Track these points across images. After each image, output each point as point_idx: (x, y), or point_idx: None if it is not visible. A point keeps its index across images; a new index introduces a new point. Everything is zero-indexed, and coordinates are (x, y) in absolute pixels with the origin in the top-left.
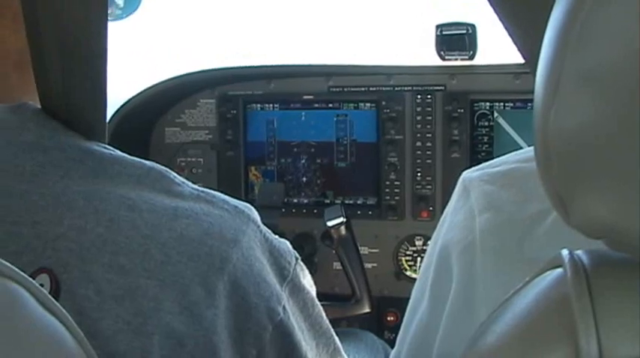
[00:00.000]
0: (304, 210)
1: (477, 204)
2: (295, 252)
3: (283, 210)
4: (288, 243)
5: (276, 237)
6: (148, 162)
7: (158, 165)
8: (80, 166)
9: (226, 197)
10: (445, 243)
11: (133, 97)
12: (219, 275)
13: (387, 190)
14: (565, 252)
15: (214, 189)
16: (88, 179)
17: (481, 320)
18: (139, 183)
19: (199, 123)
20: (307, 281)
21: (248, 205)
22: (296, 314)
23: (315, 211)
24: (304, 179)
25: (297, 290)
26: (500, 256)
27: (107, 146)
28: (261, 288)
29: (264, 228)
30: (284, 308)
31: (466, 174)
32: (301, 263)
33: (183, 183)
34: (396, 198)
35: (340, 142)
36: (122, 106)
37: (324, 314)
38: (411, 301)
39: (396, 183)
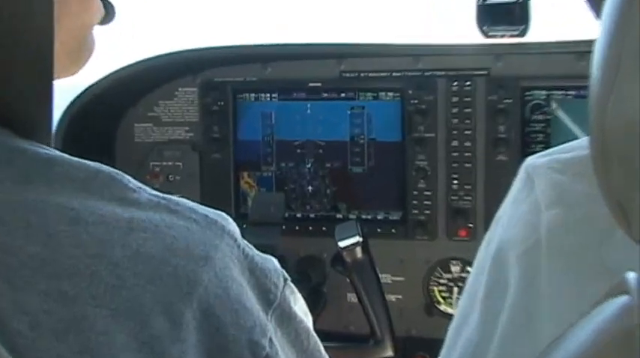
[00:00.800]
0: (310, 228)
1: (544, 196)
2: (284, 271)
3: (284, 227)
4: (274, 259)
5: (259, 253)
6: (93, 164)
7: (107, 167)
8: (6, 169)
9: (194, 204)
10: (501, 244)
11: (93, 85)
12: (186, 301)
13: (415, 202)
14: (632, 276)
15: (197, 201)
16: (18, 185)
17: (543, 341)
18: (83, 189)
19: (177, 118)
20: (300, 307)
21: (222, 214)
22: (286, 349)
23: (324, 229)
24: (310, 188)
25: (286, 318)
26: (572, 262)
27: (44, 146)
28: (241, 317)
29: (243, 242)
30: (270, 341)
31: (530, 160)
32: (291, 285)
33: (139, 188)
34: (427, 212)
35: (355, 142)
36: (77, 97)
37: (322, 348)
38: (455, 317)
39: (427, 193)
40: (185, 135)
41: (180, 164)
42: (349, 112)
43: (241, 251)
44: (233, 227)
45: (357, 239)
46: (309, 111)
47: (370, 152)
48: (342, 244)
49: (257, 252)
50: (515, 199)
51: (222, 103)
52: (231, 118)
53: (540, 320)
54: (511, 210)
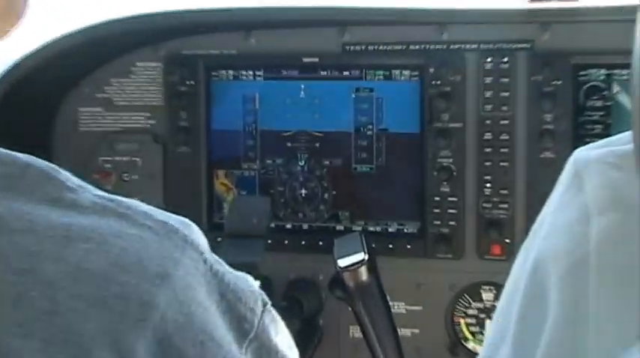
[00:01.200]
0: (303, 242)
1: (595, 198)
2: (262, 293)
3: (269, 241)
4: (250, 278)
5: (232, 270)
6: (23, 157)
7: (40, 161)
8: None
9: (149, 208)
10: (541, 258)
11: (24, 59)
12: (138, 330)
13: (437, 210)
14: None
15: (159, 207)
16: None
17: None
18: (7, 187)
19: (135, 101)
20: (283, 339)
21: (185, 220)
22: None
23: (321, 243)
24: (303, 191)
25: (265, 353)
26: (628, 281)
27: None
28: (208, 350)
29: (212, 257)
30: None
31: (580, 152)
32: (272, 311)
33: (80, 187)
34: (451, 223)
35: (362, 133)
36: (5, 74)
37: None
38: (485, 346)
39: (452, 198)
40: (145, 123)
41: (138, 160)
42: (354, 96)
43: (209, 267)
44: (198, 236)
45: (362, 256)
46: (302, 93)
47: (380, 146)
48: (342, 263)
49: (229, 268)
50: (560, 201)
51: (191, 83)
52: (203, 102)
53: (586, 353)
54: (554, 214)
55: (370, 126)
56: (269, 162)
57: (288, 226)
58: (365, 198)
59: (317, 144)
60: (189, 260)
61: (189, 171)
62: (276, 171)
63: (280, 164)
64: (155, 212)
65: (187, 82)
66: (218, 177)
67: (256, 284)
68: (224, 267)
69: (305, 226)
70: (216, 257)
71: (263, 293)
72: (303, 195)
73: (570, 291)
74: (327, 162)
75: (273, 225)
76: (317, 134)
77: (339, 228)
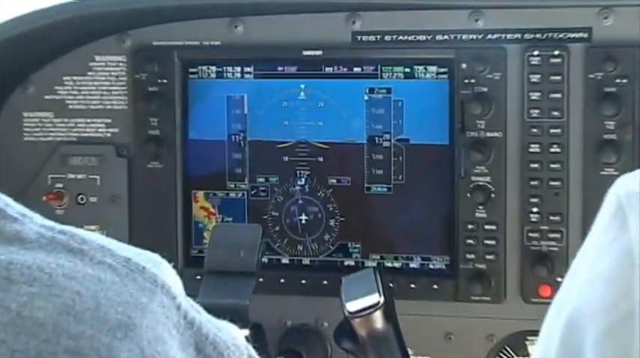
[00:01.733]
0: (303, 281)
1: None
2: (249, 347)
3: (261, 279)
4: (234, 328)
5: (212, 318)
6: None
7: None
8: None
9: (110, 242)
10: (577, 312)
11: None
12: None
13: (471, 241)
14: None
15: (122, 238)
16: None
17: None
18: None
19: (93, 104)
20: None
21: (153, 257)
22: None
23: (326, 282)
24: (303, 218)
25: None
26: None
27: None
28: None
29: (186, 302)
30: None
31: (623, 182)
32: None
33: (24, 216)
34: (489, 257)
35: (377, 145)
36: None
37: None
38: None
39: (489, 226)
40: (105, 132)
41: (97, 178)
42: (367, 98)
43: (182, 314)
44: (170, 277)
45: (377, 299)
46: (302, 95)
47: (399, 161)
48: (352, 307)
49: (207, 316)
50: (599, 241)
51: (164, 82)
52: (178, 106)
53: None
54: (592, 257)
55: (387, 136)
56: (261, 180)
57: (285, 261)
58: (381, 226)
59: (321, 159)
60: (158, 306)
61: (160, 192)
62: (269, 193)
63: (275, 183)
64: (117, 246)
65: (159, 81)
66: (197, 199)
67: (242, 334)
68: (202, 315)
69: (306, 261)
70: (192, 302)
71: (250, 347)
72: (304, 221)
73: (611, 353)
74: (333, 181)
75: (265, 259)
76: (321, 146)
77: (349, 263)
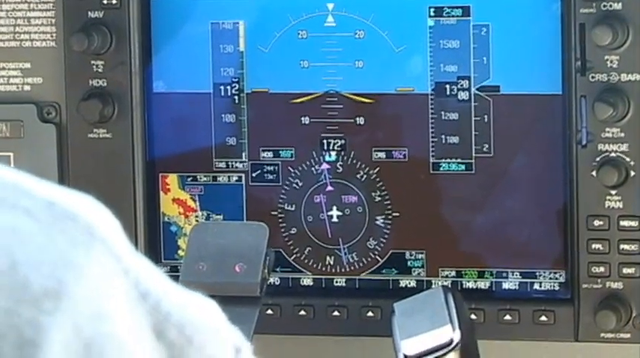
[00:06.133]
0: (335, 312)
1: None
2: (236, 330)
3: (269, 309)
4: (208, 303)
5: (174, 286)
6: None
7: None
8: None
9: (23, 179)
10: None
11: None
12: None
13: (599, 246)
14: None
15: None
16: None
17: None
18: None
19: (3, 39)
20: None
21: (88, 199)
22: None
23: (370, 313)
24: (335, 214)
25: None
26: None
27: None
28: None
29: (137, 266)
30: None
31: None
32: None
33: None
34: (628, 271)
35: (449, 96)
36: None
37: None
38: None
39: (627, 223)
40: (21, 84)
41: (11, 156)
42: (432, 23)
43: (133, 283)
44: (112, 229)
45: (450, 336)
46: (330, 19)
47: (485, 122)
48: (411, 349)
49: (168, 284)
50: None
51: (113, 1)
52: (137, 41)
53: None
54: None
55: (464, 83)
56: (267, 156)
57: (307, 282)
58: (456, 225)
59: (361, 120)
60: (98, 268)
61: (109, 176)
62: (280, 175)
63: (289, 160)
64: (35, 185)
65: (105, 2)
66: (167, 188)
67: (219, 313)
68: (159, 284)
69: (339, 281)
70: (146, 264)
71: (236, 330)
72: (336, 220)
73: None
74: (380, 156)
75: (275, 278)
76: (360, 99)
77: (407, 283)
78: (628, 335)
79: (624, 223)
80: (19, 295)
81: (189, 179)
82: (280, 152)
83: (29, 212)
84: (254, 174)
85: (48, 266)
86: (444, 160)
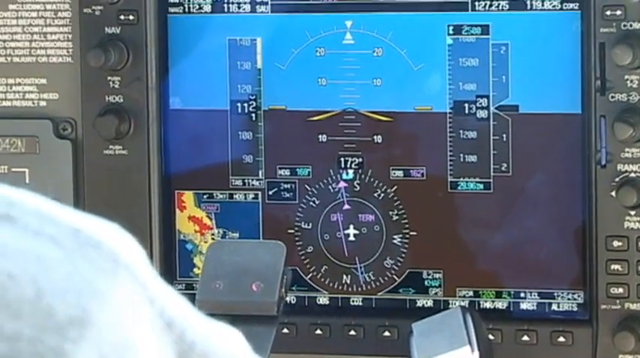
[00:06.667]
0: (351, 331)
1: None
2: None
3: (285, 328)
4: (234, 334)
5: (197, 314)
6: None
7: None
8: None
9: (48, 205)
10: None
11: None
12: None
13: (617, 267)
14: None
15: None
16: None
17: None
18: None
19: (18, 54)
20: None
21: (113, 226)
22: None
23: (387, 333)
24: (352, 233)
25: None
26: None
27: None
28: None
29: (162, 294)
30: None
31: None
32: None
33: None
34: None
35: (468, 115)
36: None
37: None
38: None
39: None
40: (37, 100)
41: (26, 172)
42: (451, 41)
43: (158, 311)
44: (136, 256)
45: (468, 356)
46: (349, 37)
47: (504, 141)
48: None
49: (192, 312)
50: None
51: (130, 18)
52: (154, 57)
53: None
54: None
55: (483, 102)
56: (284, 174)
57: (323, 301)
58: (474, 244)
59: (378, 139)
60: (123, 296)
61: (124, 193)
62: (297, 193)
63: (306, 178)
64: (59, 212)
65: (122, 18)
66: (183, 205)
67: (243, 342)
68: (184, 312)
69: (356, 301)
70: (170, 291)
71: None
72: (352, 238)
73: None
74: (398, 174)
75: (291, 298)
76: (379, 118)
77: (424, 302)
78: None
79: None
80: (44, 323)
81: (205, 196)
82: (297, 170)
83: (54, 239)
84: (270, 192)
85: (73, 294)
86: (461, 179)
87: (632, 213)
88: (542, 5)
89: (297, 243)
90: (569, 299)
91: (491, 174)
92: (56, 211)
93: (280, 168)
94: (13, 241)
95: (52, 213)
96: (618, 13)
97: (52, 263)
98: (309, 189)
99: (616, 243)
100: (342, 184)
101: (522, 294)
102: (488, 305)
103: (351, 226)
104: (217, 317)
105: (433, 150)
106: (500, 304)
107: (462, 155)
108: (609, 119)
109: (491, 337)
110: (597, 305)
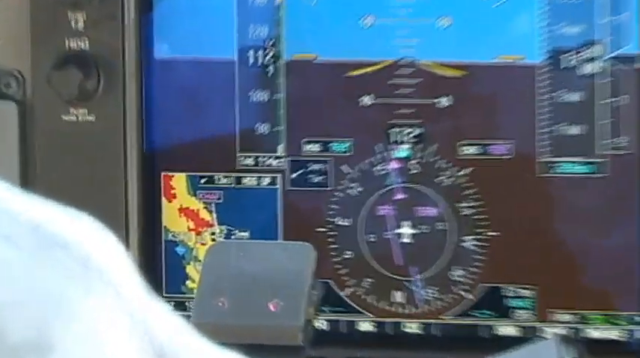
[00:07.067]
0: (406, 356)
1: None
2: None
3: (315, 355)
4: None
5: (195, 334)
6: None
7: None
8: None
9: (9, 189)
10: None
11: None
12: None
13: None
14: None
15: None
16: None
17: None
18: None
19: None
20: None
21: (83, 219)
22: None
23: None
24: (406, 232)
25: None
26: None
27: None
28: None
29: (144, 306)
30: None
31: None
32: None
33: None
34: None
35: (568, 69)
36: None
37: None
38: None
39: None
40: None
41: None
42: None
43: (141, 330)
44: (113, 257)
45: None
46: None
47: (623, 107)
48: None
49: (190, 333)
50: None
51: None
52: None
53: None
54: None
55: (592, 51)
56: (312, 149)
57: (367, 327)
58: (577, 251)
59: (445, 101)
60: (94, 309)
61: (93, 173)
62: (331, 176)
63: (344, 154)
64: (17, 203)
65: None
66: (172, 193)
67: None
68: (176, 333)
69: (411, 326)
70: (156, 303)
71: None
72: (407, 239)
73: None
74: (470, 151)
75: (323, 322)
76: (445, 71)
77: (507, 330)
78: None
79: None
80: (3, 342)
81: (202, 181)
82: (331, 145)
83: (6, 238)
84: (294, 176)
85: (31, 308)
86: (561, 159)
87: None
88: None
89: (331, 247)
90: None
91: (603, 151)
92: (7, 198)
93: (308, 142)
94: None
95: (8, 205)
96: None
97: (4, 268)
98: (347, 171)
99: None
100: (393, 164)
101: None
102: (596, 334)
103: (406, 224)
104: (221, 346)
105: (520, 117)
106: (614, 333)
107: (560, 125)
108: None
109: None
110: None
